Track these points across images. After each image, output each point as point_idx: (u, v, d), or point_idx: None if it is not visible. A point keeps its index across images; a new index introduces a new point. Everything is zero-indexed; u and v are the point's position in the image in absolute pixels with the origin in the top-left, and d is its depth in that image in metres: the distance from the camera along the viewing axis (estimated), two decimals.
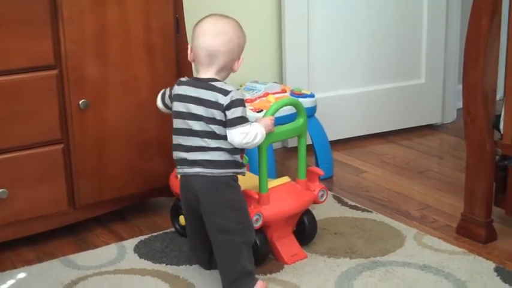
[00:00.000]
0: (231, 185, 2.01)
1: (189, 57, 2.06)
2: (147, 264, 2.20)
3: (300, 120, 2.21)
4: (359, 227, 2.44)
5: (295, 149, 2.28)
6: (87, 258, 2.25)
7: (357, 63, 3.33)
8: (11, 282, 2.13)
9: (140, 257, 2.25)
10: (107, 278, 2.12)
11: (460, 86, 2.36)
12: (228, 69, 2.04)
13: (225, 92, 1.97)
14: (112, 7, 2.30)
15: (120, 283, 2.10)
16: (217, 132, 1.98)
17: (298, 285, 2.07)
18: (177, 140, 2.03)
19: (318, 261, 2.20)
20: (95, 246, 2.34)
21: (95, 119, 2.34)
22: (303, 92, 2.91)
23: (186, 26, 2.47)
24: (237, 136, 1.97)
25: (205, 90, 1.98)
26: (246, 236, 2.02)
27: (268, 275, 2.12)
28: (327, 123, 2.99)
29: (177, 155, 2.03)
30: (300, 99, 2.81)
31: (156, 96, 2.17)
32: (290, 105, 2.25)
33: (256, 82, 2.97)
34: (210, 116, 1.97)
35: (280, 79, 3.24)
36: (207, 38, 1.99)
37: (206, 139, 1.98)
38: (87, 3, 2.26)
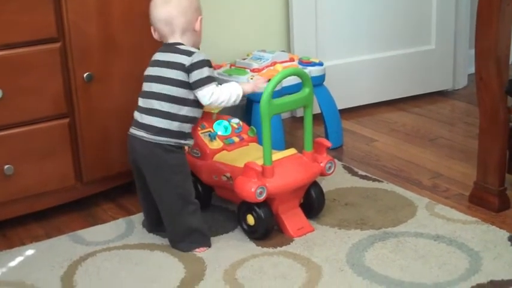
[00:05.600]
0: (169, 149, 2.04)
1: (155, 36, 2.13)
2: (156, 239, 2.18)
3: (306, 90, 2.16)
4: (370, 198, 2.41)
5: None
6: (95, 233, 2.24)
7: (365, 30, 3.27)
8: (19, 259, 2.12)
9: (149, 232, 2.23)
10: (115, 253, 2.11)
11: (471, 51, 2.31)
12: (190, 30, 2.09)
13: (189, 53, 2.04)
14: None
15: (129, 258, 2.08)
16: (175, 95, 2.03)
17: (309, 257, 2.05)
18: (139, 101, 2.09)
19: (329, 233, 2.18)
20: (103, 221, 2.32)
21: (100, 92, 2.31)
22: (311, 60, 2.87)
23: None
24: (203, 97, 2.04)
25: (171, 53, 2.06)
26: (186, 200, 2.07)
27: (279, 248, 2.10)
28: (336, 92, 2.95)
29: (134, 114, 2.09)
30: (308, 68, 2.77)
31: None
32: (294, 75, 2.19)
33: (264, 51, 2.92)
34: (172, 77, 2.03)
35: (288, 48, 3.19)
36: (157, 9, 2.08)
37: (161, 102, 2.03)
38: None
